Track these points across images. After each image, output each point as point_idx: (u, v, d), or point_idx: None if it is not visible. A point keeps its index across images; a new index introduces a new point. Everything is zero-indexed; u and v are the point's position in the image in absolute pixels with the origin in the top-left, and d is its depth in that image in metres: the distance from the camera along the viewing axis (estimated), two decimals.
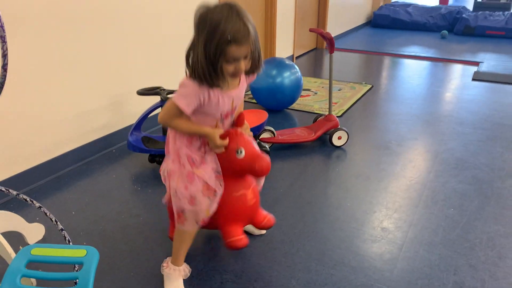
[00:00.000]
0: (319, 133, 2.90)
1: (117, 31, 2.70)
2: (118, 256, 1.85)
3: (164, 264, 1.70)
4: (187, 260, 1.71)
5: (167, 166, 1.61)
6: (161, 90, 2.56)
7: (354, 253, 1.86)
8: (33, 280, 1.56)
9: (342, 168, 2.65)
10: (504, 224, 2.06)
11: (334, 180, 2.51)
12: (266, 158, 1.59)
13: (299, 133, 2.92)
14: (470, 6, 9.18)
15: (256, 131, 2.68)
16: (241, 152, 1.56)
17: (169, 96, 2.49)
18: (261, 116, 2.73)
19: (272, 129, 2.85)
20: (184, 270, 1.69)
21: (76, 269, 1.56)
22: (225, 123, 1.61)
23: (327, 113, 3.03)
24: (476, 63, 5.20)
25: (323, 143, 2.94)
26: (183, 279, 1.68)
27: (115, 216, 2.13)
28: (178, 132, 1.57)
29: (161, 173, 1.66)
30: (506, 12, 7.11)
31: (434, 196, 2.31)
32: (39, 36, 2.26)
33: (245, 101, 3.78)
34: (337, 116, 3.42)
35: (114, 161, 2.69)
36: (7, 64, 1.40)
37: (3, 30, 1.35)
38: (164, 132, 2.66)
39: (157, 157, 2.62)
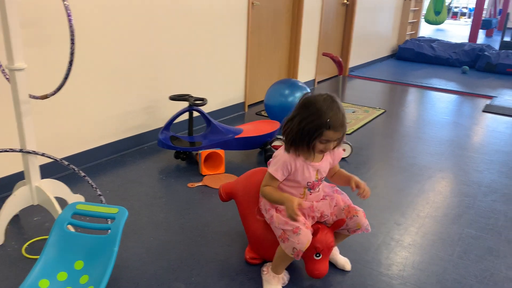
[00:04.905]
0: None
1: (153, 48, 3.18)
2: (141, 225, 2.24)
3: (264, 269, 1.85)
4: None
5: (268, 214, 1.81)
6: (189, 97, 2.99)
7: None
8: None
9: None
10: None
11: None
12: (326, 269, 1.77)
13: None
14: (497, 45, 9.42)
15: (269, 138, 3.07)
16: (319, 256, 1.73)
17: (196, 102, 2.93)
18: (274, 125, 3.12)
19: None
20: (283, 278, 1.83)
21: (109, 222, 1.95)
22: (313, 194, 1.80)
23: None
24: (490, 97, 5.46)
25: None
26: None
27: (142, 197, 2.53)
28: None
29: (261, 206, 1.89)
30: None
31: (414, 200, 2.61)
32: (95, 47, 2.75)
33: (260, 115, 4.18)
34: (347, 134, 3.77)
35: (144, 156, 3.12)
36: (73, 60, 1.85)
37: (73, 34, 1.80)
38: (190, 133, 3.08)
39: (182, 154, 3.03)
